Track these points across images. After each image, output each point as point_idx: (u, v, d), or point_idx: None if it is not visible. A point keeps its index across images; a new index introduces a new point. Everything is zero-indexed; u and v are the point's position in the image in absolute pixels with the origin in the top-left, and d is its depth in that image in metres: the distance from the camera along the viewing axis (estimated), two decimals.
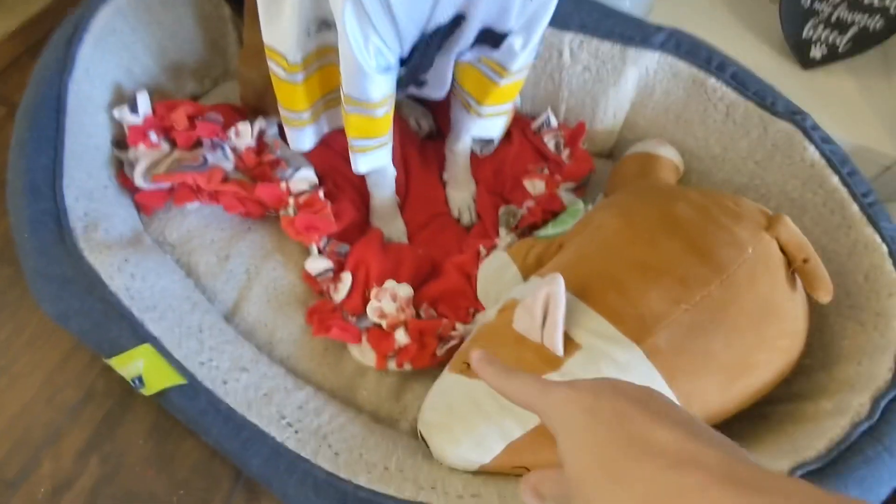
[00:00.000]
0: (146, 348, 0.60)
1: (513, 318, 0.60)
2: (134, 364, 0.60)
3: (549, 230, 0.80)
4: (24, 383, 0.73)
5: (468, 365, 0.61)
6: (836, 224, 0.70)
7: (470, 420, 0.57)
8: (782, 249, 0.59)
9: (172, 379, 0.60)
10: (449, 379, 0.62)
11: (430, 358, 0.68)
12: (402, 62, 0.63)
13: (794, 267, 0.58)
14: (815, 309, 0.59)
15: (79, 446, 0.70)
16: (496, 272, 0.74)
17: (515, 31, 0.63)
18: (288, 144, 0.78)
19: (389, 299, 0.70)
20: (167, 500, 0.69)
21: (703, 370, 0.54)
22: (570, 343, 0.55)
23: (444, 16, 0.57)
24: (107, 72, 0.80)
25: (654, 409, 0.26)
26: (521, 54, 0.69)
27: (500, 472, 0.59)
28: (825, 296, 0.57)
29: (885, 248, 0.65)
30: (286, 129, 0.74)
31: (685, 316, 0.54)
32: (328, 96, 0.70)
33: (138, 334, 0.60)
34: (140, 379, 0.60)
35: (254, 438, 0.57)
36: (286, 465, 0.56)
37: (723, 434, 0.26)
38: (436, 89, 0.72)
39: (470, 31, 0.60)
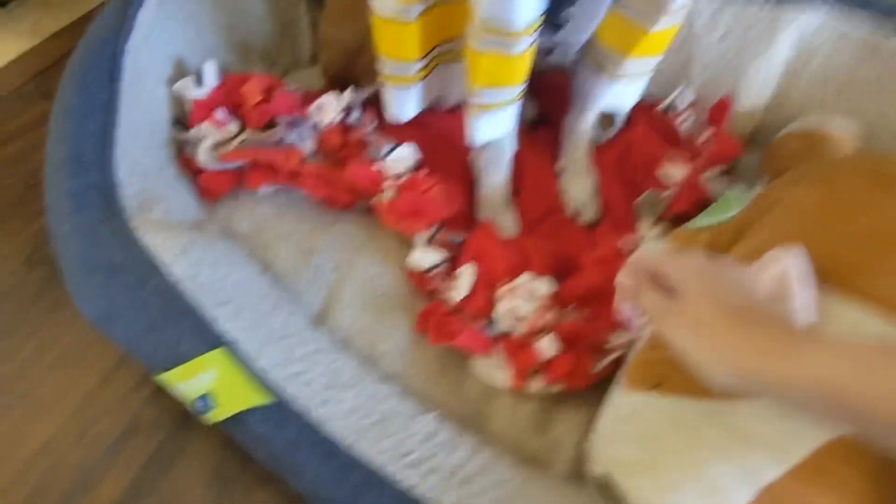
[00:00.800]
0: (219, 354, 0.43)
1: None
2: (201, 378, 0.44)
3: (707, 219, 0.64)
4: (49, 413, 0.56)
5: (659, 381, 0.44)
6: None
7: (688, 455, 0.39)
8: None
9: (252, 398, 0.43)
10: (631, 400, 0.45)
11: (586, 374, 0.50)
12: None
13: None
14: None
15: (118, 496, 0.53)
16: None
17: None
18: (382, 118, 0.64)
19: (526, 298, 0.53)
20: None
21: None
22: None
23: None
24: (169, 42, 0.68)
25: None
26: None
27: None
28: None
29: None
30: (386, 92, 0.61)
31: None
32: (444, 46, 0.57)
33: (207, 337, 0.44)
34: (207, 398, 0.44)
35: (369, 484, 0.40)
36: None
37: None
38: (577, 33, 0.58)
39: None
